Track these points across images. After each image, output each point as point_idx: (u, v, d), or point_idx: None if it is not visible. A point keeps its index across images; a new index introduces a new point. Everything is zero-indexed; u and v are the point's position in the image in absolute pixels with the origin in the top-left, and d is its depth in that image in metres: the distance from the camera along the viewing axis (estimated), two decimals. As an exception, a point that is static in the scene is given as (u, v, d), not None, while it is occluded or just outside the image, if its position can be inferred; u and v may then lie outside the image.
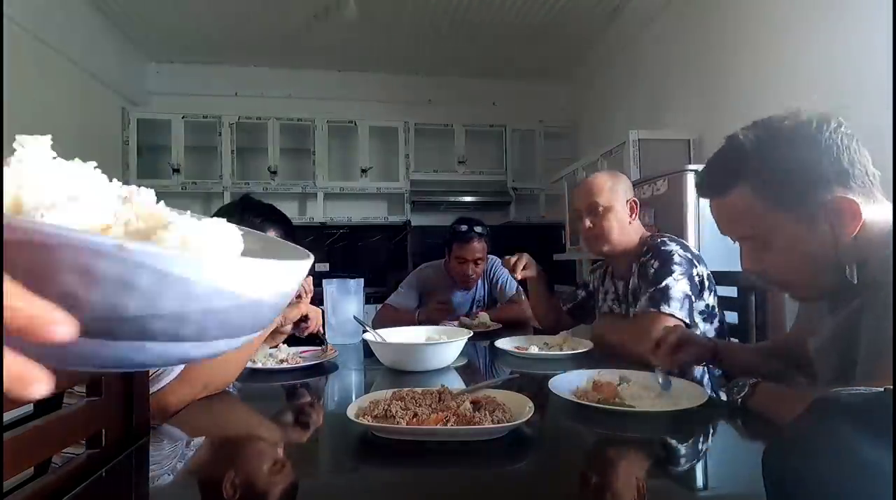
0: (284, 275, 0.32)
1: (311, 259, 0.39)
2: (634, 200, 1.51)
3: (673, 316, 1.26)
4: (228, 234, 0.33)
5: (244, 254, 0.33)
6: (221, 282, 0.27)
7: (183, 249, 0.29)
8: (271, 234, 1.21)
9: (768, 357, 1.09)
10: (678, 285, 1.31)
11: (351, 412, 0.73)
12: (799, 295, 0.82)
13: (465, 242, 2.06)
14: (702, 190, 0.84)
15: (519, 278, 1.68)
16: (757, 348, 1.18)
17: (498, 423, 0.68)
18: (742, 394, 0.79)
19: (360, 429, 0.72)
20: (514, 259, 1.66)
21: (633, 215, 1.49)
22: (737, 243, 0.83)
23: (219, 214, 1.21)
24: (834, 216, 0.69)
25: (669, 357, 0.96)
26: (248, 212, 1.21)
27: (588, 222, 1.50)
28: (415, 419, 0.71)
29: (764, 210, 0.73)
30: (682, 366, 1.02)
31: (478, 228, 2.10)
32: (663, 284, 1.31)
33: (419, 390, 0.82)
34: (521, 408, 0.73)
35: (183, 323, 0.26)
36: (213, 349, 0.30)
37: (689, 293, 1.32)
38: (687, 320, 1.27)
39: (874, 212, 0.71)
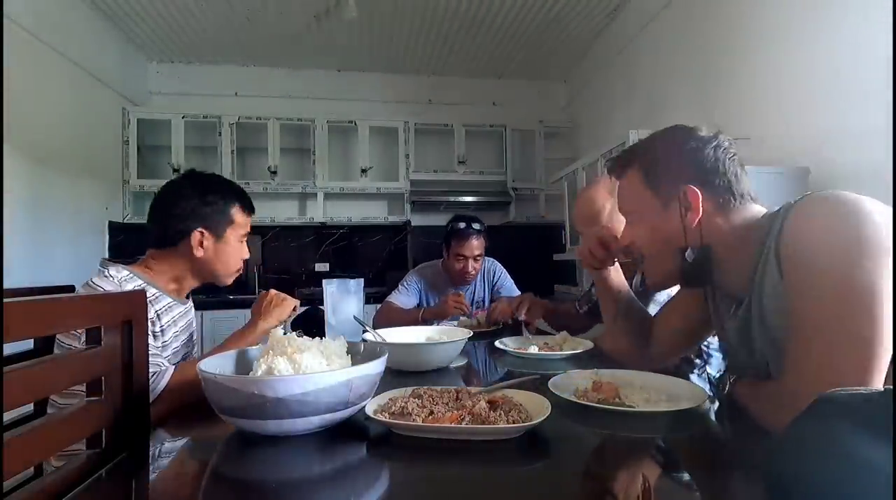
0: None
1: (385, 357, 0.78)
2: None
3: None
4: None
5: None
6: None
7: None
8: (235, 209, 1.21)
9: (641, 317, 1.23)
10: None
11: (369, 409, 0.74)
12: (651, 272, 0.95)
13: (463, 239, 2.07)
14: (610, 171, 0.99)
15: (525, 319, 1.70)
16: (639, 304, 1.27)
17: (513, 423, 0.69)
18: (727, 388, 0.87)
19: (376, 425, 0.73)
20: (515, 304, 1.69)
21: None
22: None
23: (170, 201, 1.18)
24: (683, 203, 0.84)
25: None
26: (204, 193, 1.19)
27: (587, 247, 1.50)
28: (430, 417, 0.72)
29: (641, 188, 0.90)
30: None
31: (475, 225, 2.10)
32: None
33: (437, 388, 0.82)
34: (538, 409, 0.73)
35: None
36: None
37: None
38: None
39: (728, 212, 0.84)
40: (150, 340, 1.04)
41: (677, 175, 0.85)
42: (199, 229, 1.17)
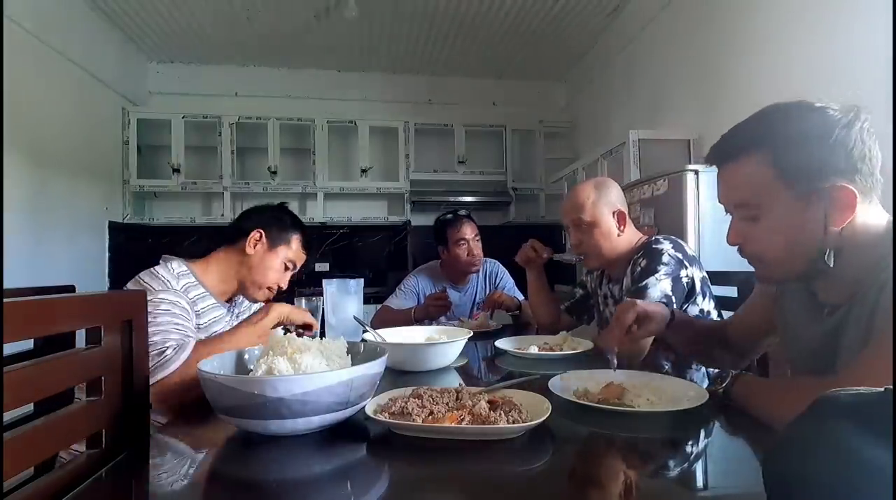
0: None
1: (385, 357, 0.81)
2: (621, 211, 1.46)
3: None
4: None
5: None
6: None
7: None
8: (295, 236, 1.35)
9: (708, 336, 1.14)
10: (659, 284, 1.30)
11: (369, 409, 0.74)
12: (769, 274, 0.83)
13: (456, 225, 2.10)
14: (716, 153, 0.83)
15: (545, 256, 1.71)
16: (703, 325, 1.21)
17: (513, 423, 0.69)
18: (724, 385, 0.82)
19: (376, 425, 0.73)
20: (527, 248, 1.71)
21: (622, 226, 1.45)
22: (728, 218, 0.85)
23: (257, 208, 1.37)
24: (830, 202, 0.71)
25: (624, 335, 1.00)
26: (282, 212, 1.39)
27: (574, 239, 1.49)
28: (430, 417, 0.72)
29: (769, 179, 0.74)
30: (638, 341, 1.07)
31: (461, 211, 2.18)
32: (644, 282, 1.31)
33: (437, 388, 0.82)
34: (538, 409, 0.73)
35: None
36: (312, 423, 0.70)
37: (670, 294, 1.30)
38: None
39: (867, 212, 0.73)
40: (189, 324, 1.11)
41: (824, 167, 0.71)
42: (260, 230, 1.30)
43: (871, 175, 0.72)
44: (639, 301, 1.04)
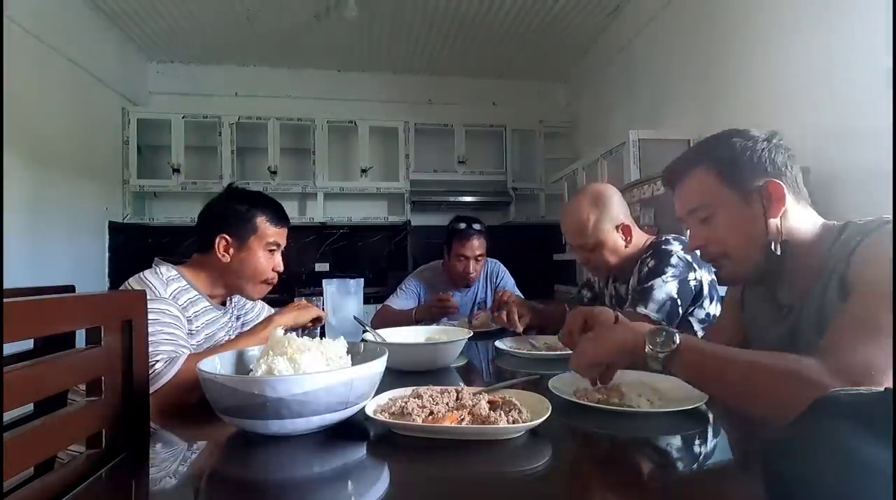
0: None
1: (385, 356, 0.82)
2: (625, 224, 1.41)
3: (648, 318, 1.24)
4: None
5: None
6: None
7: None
8: (260, 218, 1.23)
9: None
10: (666, 286, 1.29)
11: (369, 409, 0.74)
12: (731, 271, 0.92)
13: (464, 240, 2.06)
14: (668, 176, 0.97)
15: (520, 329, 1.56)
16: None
17: (513, 423, 0.69)
18: (662, 356, 0.74)
19: (376, 425, 0.73)
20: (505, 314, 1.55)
21: (629, 238, 1.42)
22: (688, 231, 0.97)
23: (208, 207, 1.25)
24: (765, 196, 0.84)
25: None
26: (233, 200, 1.25)
27: (580, 258, 1.48)
28: (430, 417, 0.72)
29: (714, 185, 0.88)
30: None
31: (476, 225, 2.09)
32: (650, 283, 1.30)
33: (437, 388, 0.82)
34: (538, 409, 0.73)
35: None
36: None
37: (675, 296, 1.29)
38: (665, 323, 1.25)
39: (800, 213, 0.86)
40: (179, 332, 1.07)
41: (755, 170, 0.85)
42: (223, 235, 1.20)
43: (796, 182, 0.86)
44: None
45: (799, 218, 0.86)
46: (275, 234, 1.25)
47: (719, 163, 0.88)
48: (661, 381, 0.91)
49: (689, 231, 0.97)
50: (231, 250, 1.20)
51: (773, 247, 0.84)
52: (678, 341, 0.74)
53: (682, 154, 0.96)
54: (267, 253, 1.24)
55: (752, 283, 0.97)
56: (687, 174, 0.93)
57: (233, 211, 1.22)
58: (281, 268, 1.27)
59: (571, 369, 0.86)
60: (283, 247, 1.27)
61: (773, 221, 0.84)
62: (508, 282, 2.26)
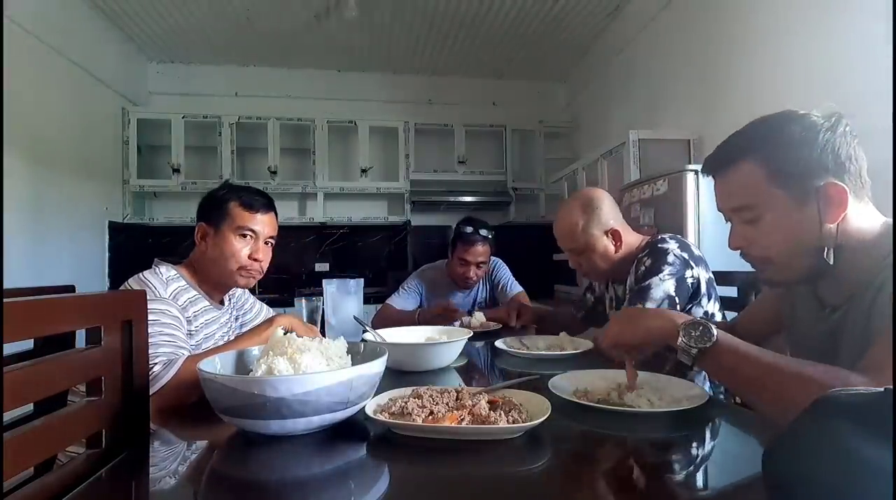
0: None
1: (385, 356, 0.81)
2: (615, 229, 1.42)
3: None
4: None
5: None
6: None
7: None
8: (232, 204, 1.22)
9: None
10: (663, 284, 1.28)
11: (369, 409, 0.74)
12: (774, 276, 0.84)
13: (469, 244, 2.04)
14: (710, 164, 0.86)
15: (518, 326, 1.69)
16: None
17: (513, 423, 0.69)
18: (698, 346, 0.73)
19: (376, 425, 0.73)
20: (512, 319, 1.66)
21: (619, 243, 1.42)
22: (728, 225, 0.87)
23: (204, 201, 1.26)
24: (823, 200, 0.74)
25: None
26: (215, 190, 1.27)
27: (572, 263, 1.49)
28: (430, 417, 0.72)
29: (763, 183, 0.77)
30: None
31: (483, 231, 2.07)
32: (647, 282, 1.30)
33: (437, 388, 0.82)
34: (538, 409, 0.73)
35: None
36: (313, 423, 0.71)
37: (673, 294, 1.29)
38: None
39: (860, 213, 0.76)
40: (179, 333, 1.08)
41: (813, 167, 0.74)
42: (201, 223, 1.23)
43: (860, 176, 0.76)
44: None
45: (859, 218, 0.75)
46: (245, 218, 1.23)
47: (770, 157, 0.76)
48: (661, 381, 0.91)
49: (729, 226, 0.86)
50: (208, 239, 1.22)
51: (825, 254, 0.75)
52: (715, 339, 0.71)
53: (728, 139, 0.83)
54: (239, 238, 1.22)
55: (797, 285, 0.88)
56: (731, 166, 0.81)
57: (209, 199, 1.26)
58: (261, 256, 1.24)
59: (601, 347, 0.84)
60: (265, 236, 1.26)
61: (830, 227, 0.74)
62: (504, 274, 2.25)
